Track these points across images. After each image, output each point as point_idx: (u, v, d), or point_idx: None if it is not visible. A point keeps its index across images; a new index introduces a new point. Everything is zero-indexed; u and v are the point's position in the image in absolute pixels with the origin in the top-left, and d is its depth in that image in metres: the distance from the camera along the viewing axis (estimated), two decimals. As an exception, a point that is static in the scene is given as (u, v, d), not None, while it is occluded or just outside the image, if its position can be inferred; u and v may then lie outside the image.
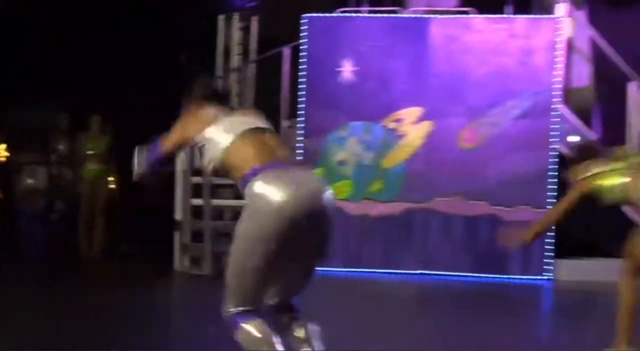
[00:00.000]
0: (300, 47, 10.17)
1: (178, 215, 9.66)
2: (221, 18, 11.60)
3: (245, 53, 11.58)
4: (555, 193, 8.81)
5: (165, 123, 4.18)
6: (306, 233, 3.65)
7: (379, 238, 9.41)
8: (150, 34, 12.51)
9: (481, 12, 9.87)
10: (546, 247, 8.99)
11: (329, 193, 3.76)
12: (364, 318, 6.80)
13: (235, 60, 11.51)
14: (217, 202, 9.78)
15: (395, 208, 9.59)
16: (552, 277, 9.00)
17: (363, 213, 9.31)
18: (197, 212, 9.59)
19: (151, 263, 9.99)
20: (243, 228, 3.77)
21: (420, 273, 9.47)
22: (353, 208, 9.43)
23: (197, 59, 11.65)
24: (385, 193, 9.51)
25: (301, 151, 9.75)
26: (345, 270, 9.49)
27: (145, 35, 12.54)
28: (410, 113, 9.64)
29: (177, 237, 9.68)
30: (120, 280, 9.26)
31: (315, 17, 10.04)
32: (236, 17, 11.73)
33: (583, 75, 10.17)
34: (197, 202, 9.48)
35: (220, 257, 9.00)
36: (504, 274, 9.45)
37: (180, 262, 9.58)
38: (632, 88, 9.56)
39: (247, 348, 3.81)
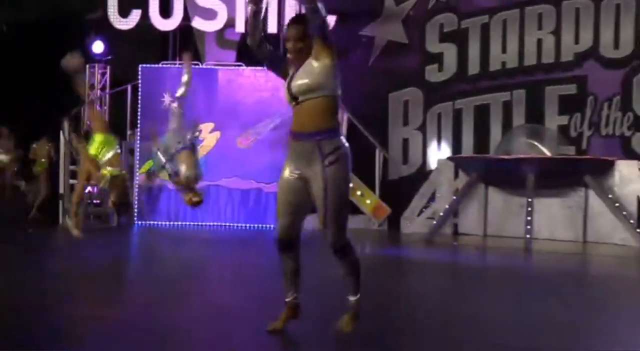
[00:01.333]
0: (139, 85, 12.92)
1: (61, 190, 12.95)
2: (88, 66, 13.76)
3: (103, 88, 14.14)
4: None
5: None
6: None
7: (190, 203, 12.51)
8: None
9: (249, 65, 13.03)
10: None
11: None
12: (180, 247, 10.30)
13: (98, 92, 14.15)
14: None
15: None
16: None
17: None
18: (73, 187, 12.35)
19: (44, 219, 12.98)
20: (346, 173, 3.98)
21: (214, 224, 12.91)
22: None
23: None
24: (193, 176, 12.16)
25: (138, 149, 12.80)
26: (168, 223, 13.04)
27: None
28: (207, 126, 12.72)
29: (61, 203, 12.96)
30: (25, 227, 12.05)
31: (146, 66, 12.94)
32: (97, 65, 14.22)
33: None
34: (73, 181, 12.55)
35: (89, 216, 12.80)
36: (263, 223, 12.93)
37: (63, 218, 12.56)
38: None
39: (357, 267, 4.24)
